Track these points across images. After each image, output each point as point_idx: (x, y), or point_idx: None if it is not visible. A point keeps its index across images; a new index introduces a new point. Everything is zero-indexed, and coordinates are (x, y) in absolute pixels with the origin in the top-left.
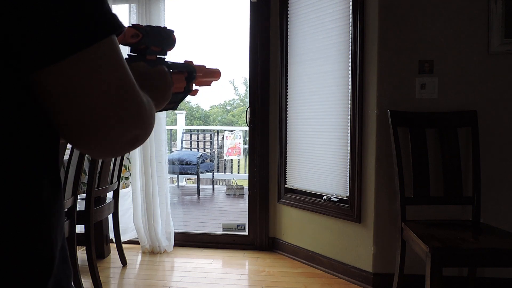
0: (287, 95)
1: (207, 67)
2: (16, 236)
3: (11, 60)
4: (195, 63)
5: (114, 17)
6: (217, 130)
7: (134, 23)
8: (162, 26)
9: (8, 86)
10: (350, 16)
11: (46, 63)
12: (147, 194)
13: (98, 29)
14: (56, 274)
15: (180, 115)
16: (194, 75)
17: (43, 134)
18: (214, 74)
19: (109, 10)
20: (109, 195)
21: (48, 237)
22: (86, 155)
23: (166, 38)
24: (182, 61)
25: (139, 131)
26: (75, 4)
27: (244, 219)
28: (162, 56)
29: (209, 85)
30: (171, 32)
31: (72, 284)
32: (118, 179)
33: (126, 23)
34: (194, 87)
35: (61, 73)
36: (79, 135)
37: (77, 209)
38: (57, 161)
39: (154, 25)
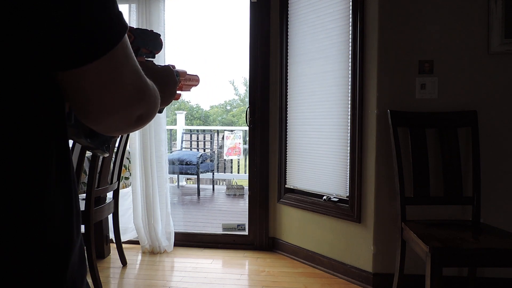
0: (287, 95)
1: (188, 72)
2: (31, 232)
3: (38, 60)
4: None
5: (123, 17)
6: (217, 130)
7: (129, 24)
8: (149, 29)
9: (29, 82)
10: (350, 16)
11: (83, 62)
12: (147, 194)
13: (119, 31)
14: (72, 273)
15: (180, 115)
16: (178, 79)
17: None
18: (194, 79)
19: (119, 10)
20: (109, 195)
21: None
22: (86, 155)
23: (154, 41)
24: (165, 65)
25: (144, 110)
26: (102, 13)
27: (244, 219)
28: (151, 59)
29: (189, 90)
30: (158, 35)
31: (85, 285)
32: (118, 179)
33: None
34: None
35: (90, 71)
36: (96, 117)
37: None
38: (69, 159)
39: (144, 27)
